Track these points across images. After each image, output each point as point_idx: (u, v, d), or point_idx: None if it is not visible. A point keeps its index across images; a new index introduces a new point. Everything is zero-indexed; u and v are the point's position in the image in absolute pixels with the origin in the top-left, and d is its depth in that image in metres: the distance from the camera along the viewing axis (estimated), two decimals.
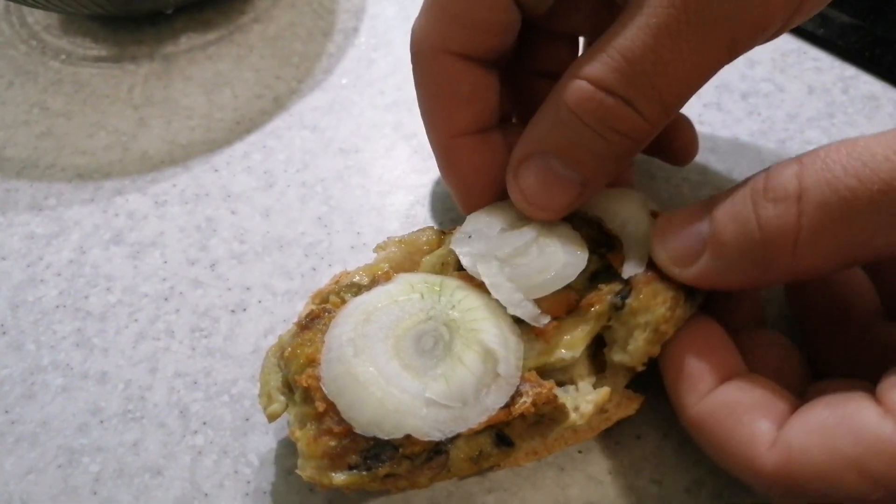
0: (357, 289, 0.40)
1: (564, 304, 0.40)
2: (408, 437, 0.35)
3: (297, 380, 0.37)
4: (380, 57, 0.64)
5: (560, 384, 0.39)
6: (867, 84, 0.61)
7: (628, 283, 0.38)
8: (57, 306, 0.49)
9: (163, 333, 0.48)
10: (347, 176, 0.56)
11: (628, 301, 0.38)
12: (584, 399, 0.38)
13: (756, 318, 0.43)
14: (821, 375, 0.40)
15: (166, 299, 0.50)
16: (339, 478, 0.36)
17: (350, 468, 0.36)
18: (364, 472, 0.36)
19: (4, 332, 0.48)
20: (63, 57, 0.66)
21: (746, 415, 0.34)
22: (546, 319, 0.38)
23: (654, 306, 0.38)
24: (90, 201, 0.55)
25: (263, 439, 0.43)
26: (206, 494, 0.42)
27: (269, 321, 0.48)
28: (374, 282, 0.40)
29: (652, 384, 0.43)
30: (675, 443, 0.43)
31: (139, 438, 0.44)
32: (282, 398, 0.39)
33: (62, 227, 0.54)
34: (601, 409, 0.39)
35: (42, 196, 0.56)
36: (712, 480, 0.41)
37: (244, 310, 0.49)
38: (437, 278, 0.40)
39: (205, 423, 0.44)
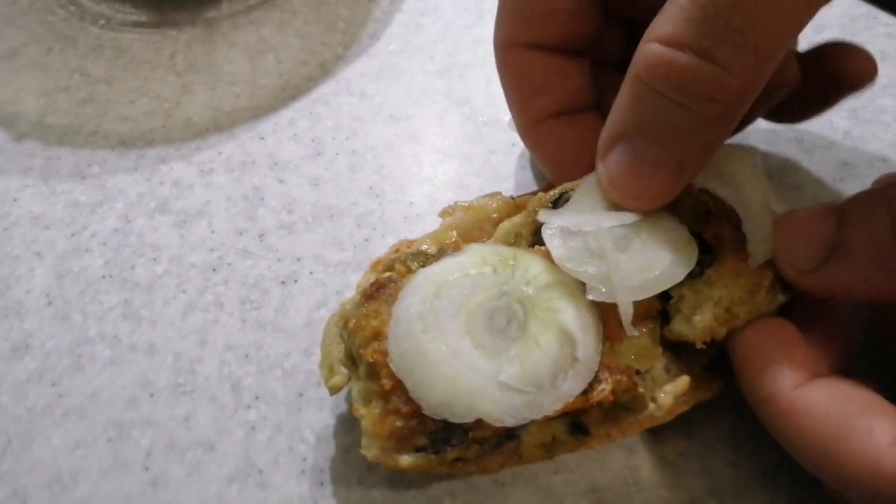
0: (424, 258, 0.38)
1: (646, 310, 0.36)
2: (479, 421, 0.33)
3: (363, 354, 0.35)
4: (428, 22, 0.62)
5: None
6: None
7: (713, 254, 0.36)
8: (103, 276, 0.48)
9: (212, 305, 0.47)
10: (398, 144, 0.54)
11: (708, 270, 0.36)
12: (662, 389, 0.36)
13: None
14: None
15: (214, 270, 0.48)
16: (406, 460, 0.34)
17: (417, 450, 0.34)
18: (432, 456, 0.34)
19: (50, 303, 0.47)
20: (102, 22, 0.64)
21: (860, 407, 0.31)
22: (634, 332, 0.35)
23: (734, 284, 0.35)
24: (134, 169, 0.54)
25: (318, 415, 0.42)
26: (261, 471, 0.40)
27: (322, 293, 0.46)
28: (441, 251, 0.38)
29: (728, 365, 0.41)
30: (751, 424, 0.40)
31: (190, 412, 0.42)
32: (344, 371, 0.37)
33: (106, 196, 0.52)
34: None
35: (85, 164, 0.54)
36: (791, 464, 0.39)
37: (295, 281, 0.47)
38: (510, 251, 0.37)
39: (257, 398, 0.43)
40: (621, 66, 0.36)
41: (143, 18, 0.64)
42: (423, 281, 0.36)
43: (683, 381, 0.36)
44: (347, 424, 0.41)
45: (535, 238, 0.39)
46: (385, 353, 0.35)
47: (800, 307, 0.37)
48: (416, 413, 0.34)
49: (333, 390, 0.37)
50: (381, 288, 0.37)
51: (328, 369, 0.38)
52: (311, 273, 0.48)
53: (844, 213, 0.33)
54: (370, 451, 0.35)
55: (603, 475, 0.39)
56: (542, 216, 0.37)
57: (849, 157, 0.52)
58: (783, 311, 0.37)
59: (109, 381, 0.44)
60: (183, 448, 0.41)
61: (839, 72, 0.45)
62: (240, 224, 0.50)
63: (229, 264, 0.48)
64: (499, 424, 0.33)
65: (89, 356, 0.45)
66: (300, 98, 0.57)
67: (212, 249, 0.49)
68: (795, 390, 0.32)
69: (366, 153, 0.53)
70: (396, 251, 0.40)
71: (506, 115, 0.55)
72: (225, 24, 0.63)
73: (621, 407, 0.36)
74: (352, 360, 0.37)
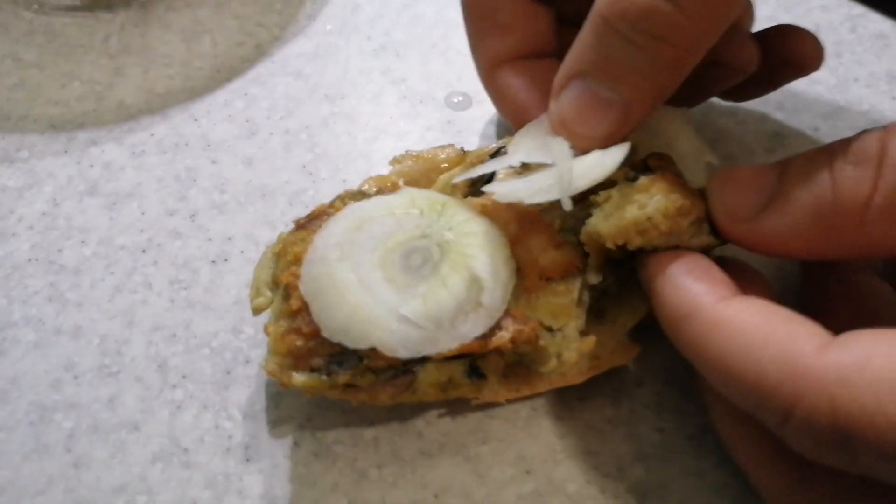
0: (362, 196, 0.39)
1: (567, 267, 0.37)
2: (374, 349, 0.34)
3: (280, 276, 0.36)
4: (365, 2, 0.61)
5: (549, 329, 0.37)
6: (875, 23, 0.59)
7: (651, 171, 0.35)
8: (29, 260, 0.47)
9: (140, 286, 0.46)
10: (333, 123, 0.53)
11: (642, 176, 0.35)
12: (567, 347, 0.36)
13: None
14: None
15: (144, 251, 0.47)
16: (300, 378, 0.35)
17: (312, 371, 0.35)
18: (324, 377, 0.35)
19: None
20: (35, 7, 0.63)
21: (784, 318, 0.29)
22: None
23: (664, 197, 0.33)
24: (63, 153, 0.53)
25: (246, 393, 0.41)
26: (186, 450, 0.40)
27: (252, 271, 0.46)
28: (380, 192, 0.39)
29: (653, 334, 0.41)
30: (678, 391, 0.41)
31: (115, 394, 0.42)
32: (269, 293, 0.38)
33: (35, 180, 0.51)
34: (592, 356, 0.37)
35: (14, 148, 0.53)
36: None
37: (225, 260, 0.47)
38: (442, 197, 0.38)
39: (184, 377, 0.42)
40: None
41: (77, 2, 0.63)
42: (349, 214, 0.37)
43: (589, 340, 0.36)
44: (275, 400, 0.41)
45: (470, 190, 0.39)
46: (299, 276, 0.35)
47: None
48: (315, 334, 0.34)
49: (256, 311, 0.38)
50: (314, 219, 0.38)
51: (255, 290, 0.38)
52: (241, 252, 0.47)
53: (787, 166, 0.33)
54: (269, 365, 0.35)
55: (531, 443, 0.39)
56: (488, 166, 0.38)
57: (780, 129, 0.52)
58: None
59: (32, 364, 0.43)
60: (107, 430, 0.40)
61: (788, 54, 0.45)
62: (171, 205, 0.50)
63: (159, 245, 0.48)
64: (391, 354, 0.34)
65: (12, 340, 0.44)
66: (235, 79, 0.56)
67: (141, 230, 0.48)
68: (718, 304, 0.31)
69: (300, 132, 0.53)
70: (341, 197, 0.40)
71: (441, 93, 0.55)
72: (160, 7, 0.62)
73: (524, 359, 0.36)
74: (276, 285, 0.38)
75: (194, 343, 0.43)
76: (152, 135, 0.53)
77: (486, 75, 0.44)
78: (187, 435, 0.40)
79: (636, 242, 0.34)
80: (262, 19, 0.61)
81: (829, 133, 0.51)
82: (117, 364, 0.43)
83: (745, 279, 0.35)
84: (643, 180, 0.34)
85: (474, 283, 0.34)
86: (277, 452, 0.39)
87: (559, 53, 0.43)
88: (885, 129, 0.30)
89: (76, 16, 0.62)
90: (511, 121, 0.44)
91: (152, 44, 0.59)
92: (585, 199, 0.36)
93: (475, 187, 0.40)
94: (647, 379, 0.41)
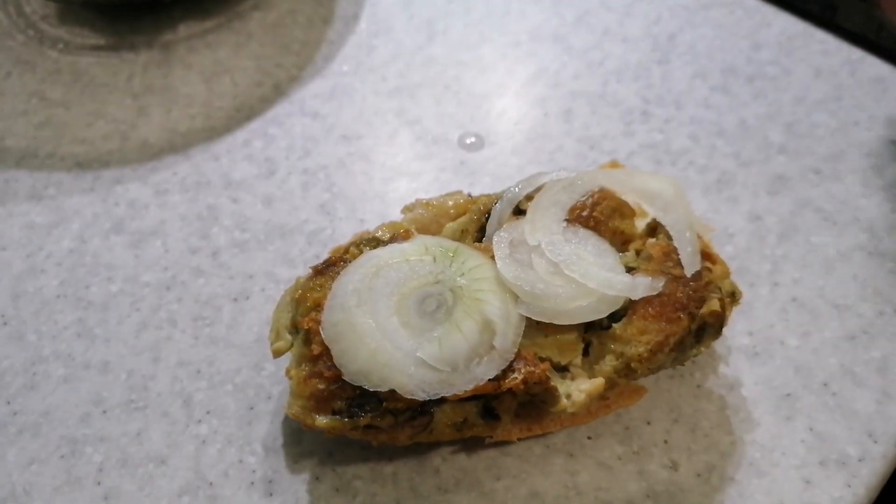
0: (376, 243, 0.41)
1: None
2: (393, 392, 0.35)
3: (301, 321, 0.38)
4: (380, 44, 0.64)
5: (559, 369, 0.39)
6: (874, 67, 0.61)
7: (629, 307, 0.38)
8: (58, 296, 0.49)
9: (165, 322, 0.47)
10: (350, 163, 0.55)
11: (616, 325, 0.38)
12: (577, 388, 0.38)
13: None
14: None
15: (168, 288, 0.49)
16: (322, 420, 0.37)
17: (334, 413, 0.37)
18: (346, 419, 0.36)
19: (6, 323, 0.48)
20: (61, 46, 0.65)
21: None
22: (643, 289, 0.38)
23: (637, 342, 0.38)
24: (90, 190, 0.55)
25: (268, 428, 0.43)
26: (211, 483, 0.41)
27: (272, 309, 0.47)
28: (393, 239, 0.40)
29: (660, 375, 0.43)
30: (686, 429, 0.42)
31: (142, 428, 0.43)
32: (288, 337, 0.39)
33: (62, 217, 0.53)
34: (601, 398, 0.39)
35: (42, 185, 0.55)
36: (723, 464, 0.41)
37: (247, 298, 0.48)
38: (453, 244, 0.40)
39: (209, 413, 0.44)
40: None
41: (101, 42, 0.65)
42: (366, 261, 0.39)
43: (597, 382, 0.37)
44: (296, 437, 0.42)
45: (479, 235, 0.42)
46: (320, 322, 0.37)
47: None
48: (337, 378, 0.36)
49: (276, 354, 0.40)
50: (332, 265, 0.40)
51: (275, 334, 0.40)
52: (262, 290, 0.49)
53: None
54: (292, 408, 0.37)
55: (543, 480, 0.41)
56: (500, 223, 0.41)
57: (783, 171, 0.54)
58: None
59: (63, 398, 0.44)
60: (135, 463, 0.42)
61: None
62: (193, 243, 0.51)
63: (182, 282, 0.49)
64: (409, 396, 0.35)
65: (43, 374, 0.45)
66: (254, 119, 0.58)
67: (166, 268, 0.50)
68: None
69: (318, 172, 0.55)
70: (358, 239, 0.42)
71: (454, 134, 0.57)
72: (181, 48, 0.64)
73: (536, 398, 0.37)
74: (296, 329, 0.39)
75: (218, 379, 0.45)
76: (175, 173, 0.55)
77: None
78: (212, 469, 0.42)
79: (621, 384, 0.38)
80: (280, 60, 0.63)
81: (831, 175, 0.53)
82: (144, 399, 0.44)
83: None
84: (617, 328, 0.38)
85: (487, 326, 0.36)
86: (299, 487, 0.41)
87: None
88: None
89: (100, 55, 0.64)
90: None
91: (174, 84, 0.61)
92: None
93: (483, 233, 0.42)
94: (655, 417, 0.43)
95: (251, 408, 0.44)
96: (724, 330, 0.41)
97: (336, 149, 0.56)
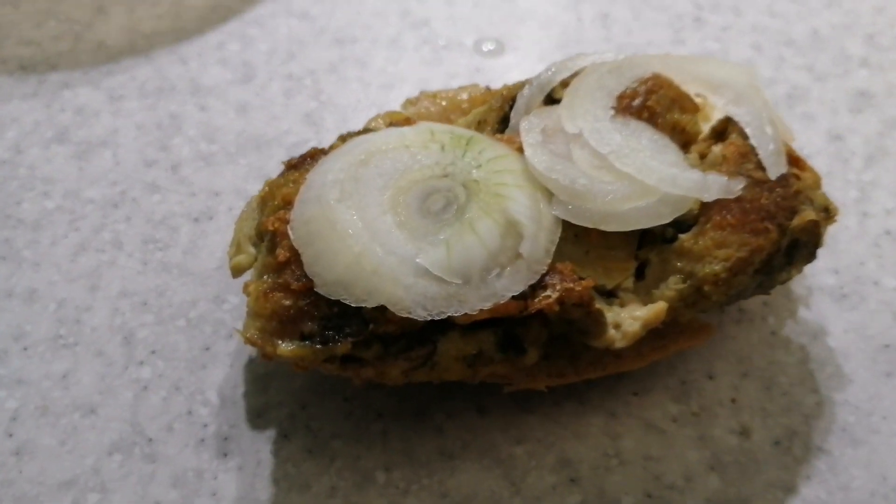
0: (367, 133, 0.32)
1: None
2: (382, 310, 0.27)
3: (265, 222, 0.29)
4: None
5: (604, 294, 0.30)
6: None
7: (699, 214, 0.29)
8: None
9: (108, 245, 0.39)
10: (342, 68, 0.46)
11: (682, 236, 0.29)
12: (630, 315, 0.29)
13: None
14: None
15: (115, 206, 0.40)
16: (287, 347, 0.27)
17: (303, 338, 0.27)
18: (318, 346, 0.27)
19: None
20: None
21: None
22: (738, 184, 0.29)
23: (711, 259, 0.28)
24: (32, 95, 0.46)
25: (227, 373, 0.34)
26: (151, 439, 0.32)
27: None
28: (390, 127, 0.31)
29: (729, 316, 0.34)
30: (758, 384, 0.33)
31: (70, 369, 0.34)
32: (252, 250, 0.30)
33: None
34: (656, 334, 0.30)
35: None
36: (807, 430, 0.32)
37: (210, 218, 0.40)
38: (466, 132, 0.31)
39: (153, 353, 0.35)
40: None
41: None
42: (352, 147, 0.30)
43: (658, 307, 0.28)
44: (261, 384, 0.34)
45: (501, 126, 0.33)
46: (287, 221, 0.28)
47: None
48: (308, 291, 0.27)
49: (236, 271, 0.31)
50: (309, 158, 0.31)
51: (236, 247, 0.31)
52: (230, 209, 0.40)
53: None
54: (248, 331, 0.28)
55: (577, 445, 0.32)
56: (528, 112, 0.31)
57: (866, 86, 0.44)
58: None
59: None
60: (57, 412, 0.33)
61: None
62: (150, 155, 0.42)
63: (133, 199, 0.40)
64: (405, 314, 0.26)
65: None
66: (231, 19, 0.49)
67: (114, 182, 0.41)
68: None
69: (304, 77, 0.46)
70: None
71: (470, 39, 0.48)
72: None
73: (574, 328, 0.28)
74: (261, 237, 0.30)
75: (168, 313, 0.36)
76: (133, 78, 0.46)
77: None
78: (153, 421, 0.33)
79: (686, 317, 0.30)
80: None
81: None
82: (75, 334, 0.35)
83: None
84: (686, 239, 0.29)
85: (511, 229, 0.27)
86: (262, 447, 0.32)
87: None
88: None
89: None
90: None
91: None
92: None
93: (506, 124, 0.33)
94: (719, 370, 0.33)
95: (207, 348, 0.35)
96: (805, 266, 0.31)
97: (327, 53, 0.47)
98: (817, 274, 0.36)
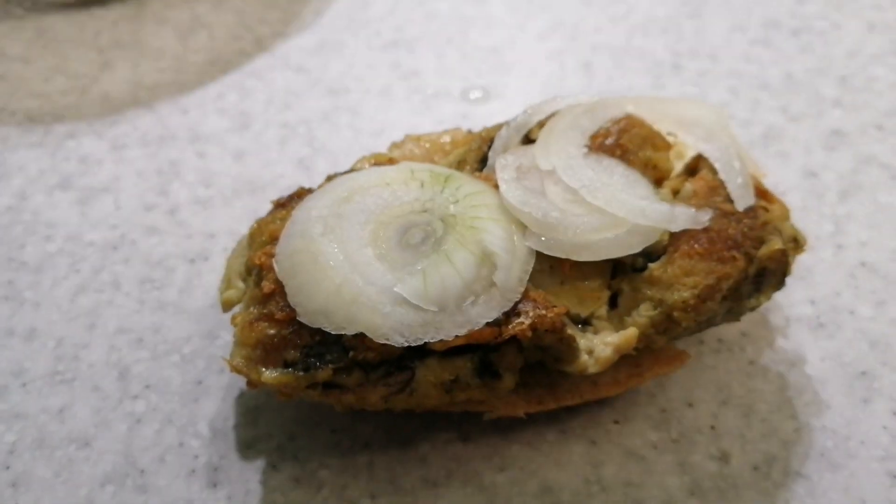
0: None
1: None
2: (362, 337, 0.27)
3: (252, 257, 0.30)
4: None
5: (579, 323, 0.30)
6: None
7: (668, 244, 0.30)
8: None
9: (107, 285, 0.40)
10: (335, 116, 0.48)
11: (652, 265, 0.30)
12: (602, 341, 0.30)
13: None
14: None
15: (115, 248, 0.42)
16: (270, 374, 0.28)
17: (286, 366, 0.28)
18: (300, 372, 0.28)
19: None
20: (28, 3, 0.59)
21: None
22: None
23: (680, 286, 0.30)
24: (38, 145, 0.48)
25: (219, 407, 0.35)
26: (143, 471, 0.33)
27: None
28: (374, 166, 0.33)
29: (707, 337, 0.35)
30: (737, 412, 0.34)
31: (67, 404, 0.35)
32: (241, 285, 0.32)
33: (3, 172, 0.46)
34: (632, 361, 0.31)
35: None
36: (786, 455, 0.32)
37: (205, 259, 0.41)
38: (445, 170, 0.32)
39: (147, 387, 0.36)
40: None
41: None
42: (336, 186, 0.31)
43: (629, 333, 0.29)
44: (251, 417, 0.34)
45: (480, 166, 0.34)
46: (273, 255, 0.30)
47: None
48: (291, 321, 0.28)
49: (226, 305, 0.32)
50: (296, 197, 0.32)
51: (226, 283, 0.32)
52: (224, 250, 0.41)
53: None
54: (234, 359, 0.29)
55: (558, 472, 0.32)
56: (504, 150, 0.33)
57: (840, 126, 0.46)
58: None
59: None
60: (53, 444, 0.34)
61: None
62: (149, 199, 0.44)
63: (132, 241, 0.42)
64: (383, 341, 0.27)
65: None
66: (231, 72, 0.52)
67: (114, 226, 0.43)
68: None
69: (298, 126, 0.48)
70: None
71: (457, 88, 0.50)
72: (157, 3, 0.58)
73: (548, 354, 0.29)
74: (250, 271, 0.31)
75: (163, 349, 0.37)
76: (136, 128, 0.48)
77: None
78: (146, 453, 0.33)
79: (660, 344, 0.31)
80: (264, 15, 0.56)
81: (895, 130, 0.45)
82: (72, 370, 0.36)
83: None
84: (655, 268, 0.30)
85: (486, 259, 0.28)
86: (251, 477, 0.32)
87: None
88: None
89: (68, 13, 0.58)
90: None
91: (145, 38, 0.55)
92: None
93: (485, 163, 0.34)
94: (699, 398, 0.34)
95: (199, 382, 0.36)
96: (780, 297, 0.32)
97: (320, 102, 0.49)
98: (794, 304, 0.37)
